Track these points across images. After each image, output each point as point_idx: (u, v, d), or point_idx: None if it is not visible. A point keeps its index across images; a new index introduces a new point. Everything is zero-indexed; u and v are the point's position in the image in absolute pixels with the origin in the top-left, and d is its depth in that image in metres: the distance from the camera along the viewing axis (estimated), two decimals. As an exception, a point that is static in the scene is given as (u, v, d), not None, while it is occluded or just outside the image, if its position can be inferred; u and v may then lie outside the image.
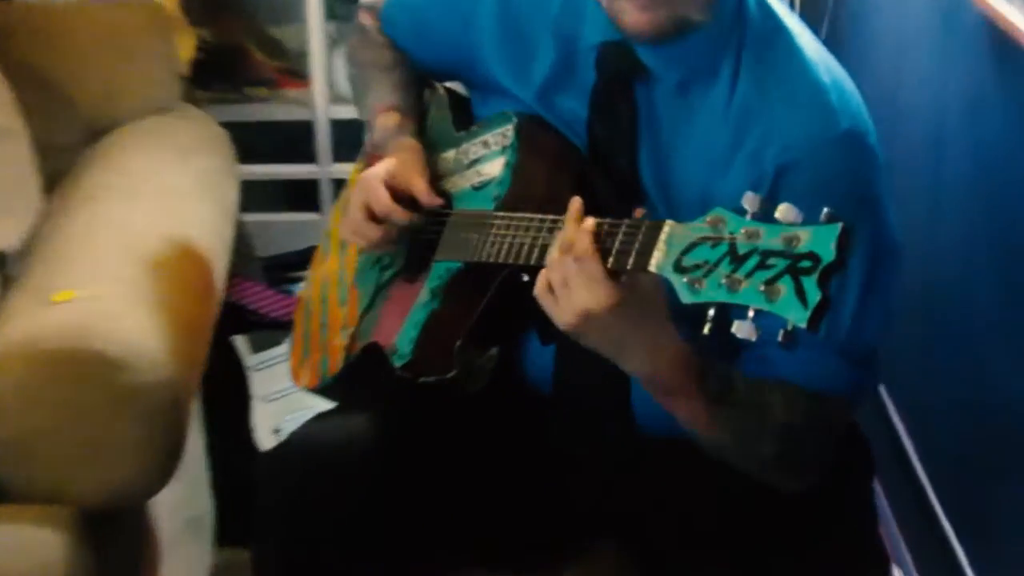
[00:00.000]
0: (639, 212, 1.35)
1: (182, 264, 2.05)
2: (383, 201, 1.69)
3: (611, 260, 1.31)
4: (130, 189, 2.19)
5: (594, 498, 1.68)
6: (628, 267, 1.29)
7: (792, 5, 3.03)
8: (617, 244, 1.31)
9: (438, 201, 1.70)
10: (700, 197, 1.52)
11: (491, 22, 1.70)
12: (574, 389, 1.67)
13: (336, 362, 1.82)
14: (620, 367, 1.43)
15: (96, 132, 2.43)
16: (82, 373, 1.71)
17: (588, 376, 1.64)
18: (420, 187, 1.70)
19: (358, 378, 1.78)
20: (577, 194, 1.43)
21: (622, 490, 1.67)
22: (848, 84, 1.53)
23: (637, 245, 1.28)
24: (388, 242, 1.74)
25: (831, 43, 2.39)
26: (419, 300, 1.66)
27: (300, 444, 1.71)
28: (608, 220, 1.34)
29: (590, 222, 1.34)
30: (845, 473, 1.60)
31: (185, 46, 2.86)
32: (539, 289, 1.38)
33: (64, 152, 2.35)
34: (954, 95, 2.12)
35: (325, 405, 1.88)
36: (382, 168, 1.72)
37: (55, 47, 2.43)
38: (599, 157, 1.61)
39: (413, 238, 1.76)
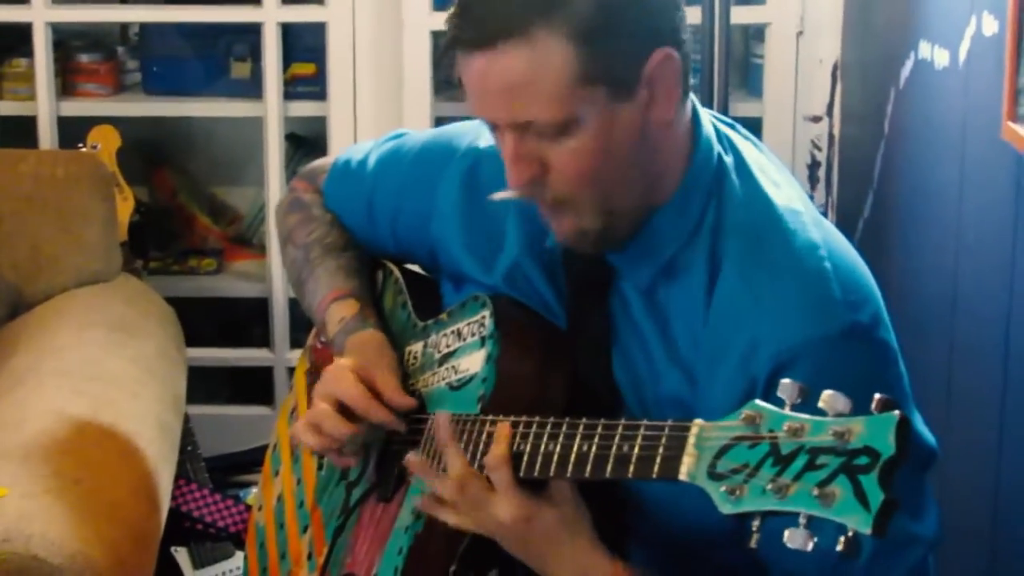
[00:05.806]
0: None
1: (126, 464, 2.09)
2: (359, 395, 1.72)
3: (631, 468, 1.36)
4: (64, 374, 2.24)
5: None
6: (653, 476, 1.34)
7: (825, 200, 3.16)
8: (637, 449, 1.37)
9: (410, 402, 1.74)
10: (680, 406, 1.57)
11: (454, 210, 1.78)
12: None
13: None
14: None
15: (21, 305, 2.50)
16: (14, 584, 1.74)
17: None
18: (390, 383, 1.74)
19: None
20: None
21: None
22: (854, 262, 1.57)
23: (662, 450, 1.34)
24: (353, 448, 1.76)
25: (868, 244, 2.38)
26: (399, 523, 1.70)
27: None
28: (623, 423, 1.40)
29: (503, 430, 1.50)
30: None
31: (123, 207, 2.90)
32: (425, 503, 1.57)
33: (-19, 327, 2.43)
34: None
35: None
36: (350, 360, 1.76)
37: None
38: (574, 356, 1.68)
39: (383, 450, 1.80)
